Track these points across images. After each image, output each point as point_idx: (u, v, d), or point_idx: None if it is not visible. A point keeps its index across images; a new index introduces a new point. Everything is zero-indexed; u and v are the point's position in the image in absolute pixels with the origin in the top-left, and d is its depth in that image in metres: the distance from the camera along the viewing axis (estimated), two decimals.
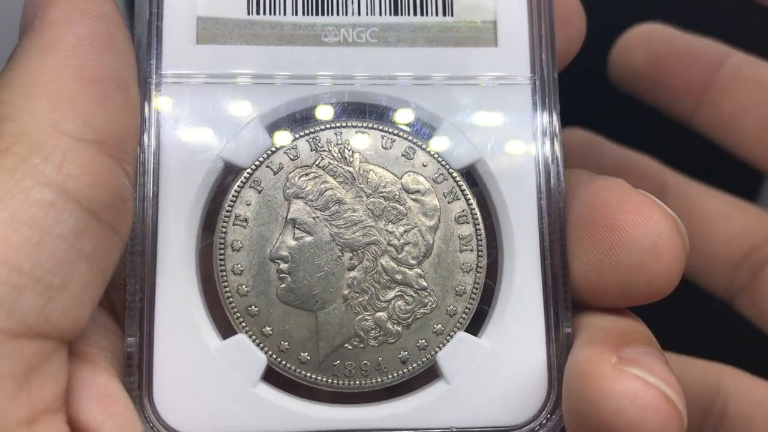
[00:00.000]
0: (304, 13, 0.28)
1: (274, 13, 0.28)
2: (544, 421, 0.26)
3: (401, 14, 0.28)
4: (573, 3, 0.29)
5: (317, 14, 0.28)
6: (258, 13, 0.28)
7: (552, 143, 0.28)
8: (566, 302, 0.27)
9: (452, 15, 0.28)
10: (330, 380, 0.27)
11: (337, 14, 0.28)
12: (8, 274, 0.21)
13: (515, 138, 0.28)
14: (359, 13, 0.28)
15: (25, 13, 0.25)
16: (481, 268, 0.27)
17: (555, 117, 0.28)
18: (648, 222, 0.26)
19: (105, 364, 0.25)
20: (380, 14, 0.28)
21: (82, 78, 0.23)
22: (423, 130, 0.28)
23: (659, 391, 0.24)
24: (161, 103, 0.27)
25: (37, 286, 0.22)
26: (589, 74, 0.30)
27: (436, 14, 0.28)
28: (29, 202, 0.22)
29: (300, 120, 0.28)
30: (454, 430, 0.26)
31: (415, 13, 0.28)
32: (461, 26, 0.28)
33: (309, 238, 0.27)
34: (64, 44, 0.23)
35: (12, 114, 0.23)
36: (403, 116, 0.28)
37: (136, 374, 0.26)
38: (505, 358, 0.27)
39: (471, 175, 0.28)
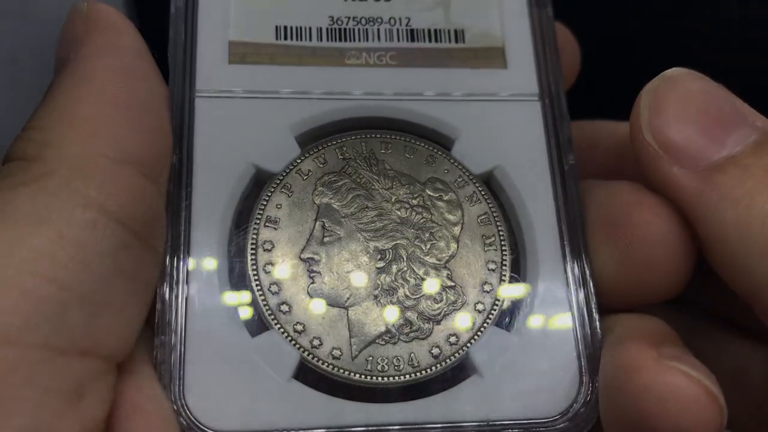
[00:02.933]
0: (328, 40, 0.30)
1: (300, 39, 0.30)
2: (577, 413, 0.26)
3: (417, 41, 0.31)
4: (567, 36, 0.32)
5: (340, 41, 0.30)
6: (285, 38, 0.30)
7: (565, 150, 0.29)
8: (591, 295, 0.27)
9: (464, 42, 0.31)
10: (363, 376, 0.26)
11: (359, 41, 0.30)
12: (56, 291, 0.22)
13: (529, 147, 0.30)
14: (379, 40, 0.30)
15: (60, 50, 0.27)
16: (506, 265, 0.28)
17: (566, 129, 0.30)
18: (662, 219, 0.27)
19: (149, 371, 0.25)
20: (398, 41, 0.30)
21: (116, 105, 0.25)
22: (442, 140, 0.30)
23: (702, 385, 0.24)
24: (196, 118, 0.28)
25: (82, 302, 0.22)
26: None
27: (449, 41, 0.31)
28: (73, 221, 0.23)
29: (327, 132, 0.29)
30: (489, 423, 0.26)
31: (429, 41, 0.31)
32: (473, 51, 0.31)
33: (338, 239, 0.27)
34: (98, 75, 0.25)
35: (53, 140, 0.24)
36: (424, 128, 0.30)
37: (168, 372, 0.25)
38: (535, 350, 0.27)
39: (490, 181, 0.29)
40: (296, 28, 0.30)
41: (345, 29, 0.30)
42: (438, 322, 0.27)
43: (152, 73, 0.27)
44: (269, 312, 0.27)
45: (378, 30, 0.31)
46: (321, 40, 0.30)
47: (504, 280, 0.28)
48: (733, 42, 0.40)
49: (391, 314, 0.27)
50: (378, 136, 0.29)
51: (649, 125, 0.27)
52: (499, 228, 0.28)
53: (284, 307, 0.27)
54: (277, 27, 0.30)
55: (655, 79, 0.28)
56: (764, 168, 0.26)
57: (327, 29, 0.30)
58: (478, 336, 0.27)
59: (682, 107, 0.27)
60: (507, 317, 0.28)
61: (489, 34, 0.31)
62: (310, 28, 0.30)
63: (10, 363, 0.21)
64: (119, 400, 0.24)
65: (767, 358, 0.30)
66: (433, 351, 0.27)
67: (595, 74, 0.33)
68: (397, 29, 0.31)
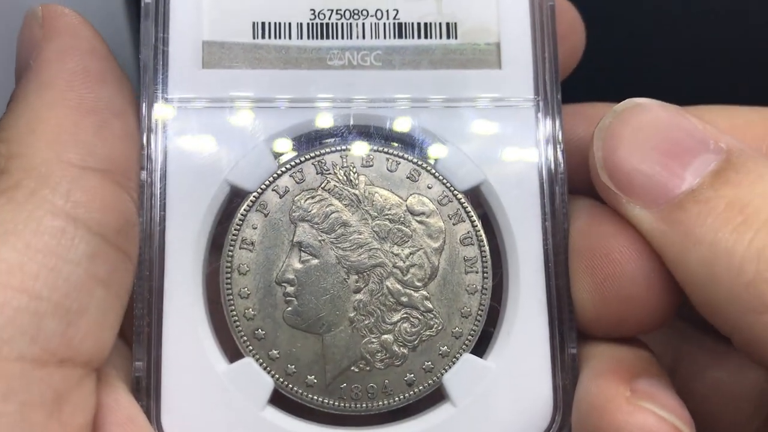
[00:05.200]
0: (309, 37, 0.28)
1: (280, 37, 0.28)
2: None
3: (405, 37, 0.28)
4: (572, 16, 0.30)
5: (322, 38, 0.28)
6: (263, 37, 0.28)
7: (556, 165, 0.28)
8: (571, 323, 0.27)
9: (456, 38, 0.29)
10: (337, 403, 0.27)
11: (342, 38, 0.28)
12: (28, 301, 0.22)
13: (519, 160, 0.28)
14: (364, 37, 0.28)
15: (19, 56, 0.26)
16: (486, 289, 0.27)
17: (559, 138, 0.28)
18: (639, 255, 0.26)
19: (123, 386, 0.25)
20: (384, 38, 0.28)
21: (79, 110, 0.24)
22: (428, 152, 0.28)
23: (673, 426, 0.24)
24: (167, 127, 0.27)
25: (56, 311, 0.22)
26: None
27: (440, 37, 0.29)
28: (41, 230, 0.23)
29: (305, 143, 0.28)
30: None
31: (419, 36, 0.29)
32: (465, 49, 0.29)
33: (315, 261, 0.27)
34: (59, 80, 0.25)
35: (18, 150, 0.24)
36: (408, 138, 0.28)
37: (145, 398, 0.26)
38: (510, 379, 0.27)
39: (476, 197, 0.28)
40: (275, 24, 0.28)
41: (327, 24, 0.28)
42: (413, 349, 0.27)
43: (114, 74, 0.26)
44: (244, 338, 0.27)
45: (363, 25, 0.28)
46: (301, 37, 0.28)
47: (483, 306, 0.27)
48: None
49: (367, 340, 0.27)
50: (358, 148, 0.28)
51: (603, 165, 0.26)
52: (482, 249, 0.28)
53: (260, 333, 0.27)
54: (254, 24, 0.28)
55: (606, 115, 0.26)
56: (726, 200, 0.24)
57: (308, 24, 0.28)
58: (452, 363, 0.27)
59: (635, 143, 0.25)
60: (484, 344, 0.27)
61: (483, 28, 0.29)
62: (289, 24, 0.28)
63: None
64: (109, 409, 0.24)
65: (758, 370, 0.30)
66: (407, 378, 0.27)
67: (596, 67, 0.31)
68: (384, 23, 0.28)
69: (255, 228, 0.27)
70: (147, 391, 0.26)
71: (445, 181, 0.28)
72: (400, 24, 0.29)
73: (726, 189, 0.24)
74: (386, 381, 0.27)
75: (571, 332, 0.27)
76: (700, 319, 0.30)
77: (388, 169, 0.28)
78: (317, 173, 0.28)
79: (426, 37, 0.28)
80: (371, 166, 0.28)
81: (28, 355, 0.22)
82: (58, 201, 0.23)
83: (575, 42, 0.30)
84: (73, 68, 0.25)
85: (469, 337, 0.27)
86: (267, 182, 0.27)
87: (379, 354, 0.27)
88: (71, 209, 0.23)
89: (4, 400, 0.21)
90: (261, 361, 0.27)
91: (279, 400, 0.27)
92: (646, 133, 0.25)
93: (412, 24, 0.29)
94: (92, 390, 0.24)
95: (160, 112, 0.27)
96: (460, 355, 0.27)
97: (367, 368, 0.27)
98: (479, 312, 0.27)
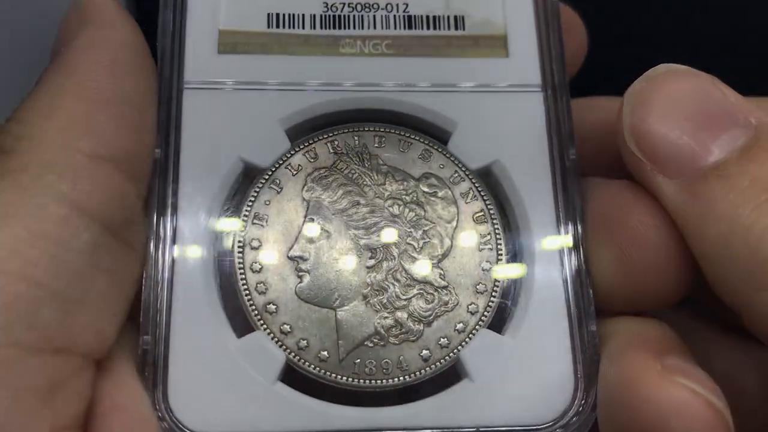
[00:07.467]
0: (322, 28, 0.29)
1: (293, 27, 0.29)
2: (572, 419, 0.25)
3: (414, 29, 0.29)
4: (573, 18, 0.31)
5: (334, 28, 0.29)
6: (278, 26, 0.29)
7: (567, 145, 0.28)
8: (589, 298, 0.26)
9: (464, 29, 0.30)
10: (350, 379, 0.26)
11: (354, 29, 0.29)
12: (27, 288, 0.21)
13: (530, 141, 0.28)
14: (375, 28, 0.29)
15: (58, 41, 0.26)
16: (501, 264, 0.27)
17: (569, 122, 0.28)
18: (659, 222, 0.26)
19: (128, 371, 0.25)
20: (395, 28, 0.29)
21: (97, 100, 0.24)
22: (439, 133, 0.29)
23: (707, 401, 0.23)
24: (183, 110, 0.27)
25: (55, 299, 0.22)
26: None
27: (449, 29, 0.29)
28: (44, 217, 0.22)
29: (319, 124, 0.28)
30: (480, 430, 0.25)
31: (428, 28, 0.29)
32: (473, 39, 0.29)
33: (328, 237, 0.27)
34: (83, 69, 0.25)
35: (30, 133, 0.23)
36: (420, 121, 0.29)
37: (151, 373, 0.25)
38: (529, 354, 0.26)
39: (487, 177, 0.28)
40: (289, 15, 0.29)
41: (340, 16, 0.29)
42: (429, 324, 0.26)
43: (144, 68, 0.26)
44: (255, 312, 0.26)
45: (374, 17, 0.29)
46: (314, 27, 0.29)
47: (498, 282, 0.27)
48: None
49: (381, 315, 0.26)
50: (371, 129, 0.28)
51: (631, 131, 0.25)
52: (495, 227, 0.27)
53: (271, 307, 0.26)
54: (269, 15, 0.29)
55: (638, 80, 0.26)
56: (750, 177, 0.24)
57: (321, 16, 0.29)
58: (470, 339, 0.26)
59: (665, 111, 0.25)
60: (500, 319, 0.27)
61: (490, 21, 0.30)
62: (303, 16, 0.29)
63: None
64: (98, 398, 0.23)
65: (761, 362, 0.29)
66: (423, 354, 0.26)
67: (602, 62, 0.32)
68: (394, 16, 0.29)
69: (267, 204, 0.27)
70: (154, 364, 0.25)
71: (456, 161, 0.28)
72: (409, 16, 0.30)
73: (751, 166, 0.24)
74: (401, 357, 0.26)
75: (589, 306, 0.26)
76: (702, 310, 0.29)
77: (400, 149, 0.28)
78: (330, 152, 0.28)
79: (435, 28, 0.29)
80: (383, 146, 0.28)
81: (23, 342, 0.21)
82: (64, 188, 0.23)
83: (576, 42, 0.31)
84: (98, 58, 0.25)
85: (486, 312, 0.27)
86: (280, 160, 0.28)
87: (394, 329, 0.26)
88: (76, 197, 0.23)
89: None
90: (272, 335, 0.26)
91: (291, 375, 0.26)
92: (677, 102, 0.25)
93: (421, 16, 0.30)
94: (89, 381, 0.23)
95: (178, 95, 0.28)
96: (477, 330, 0.26)
97: (382, 343, 0.26)
98: (495, 287, 0.27)
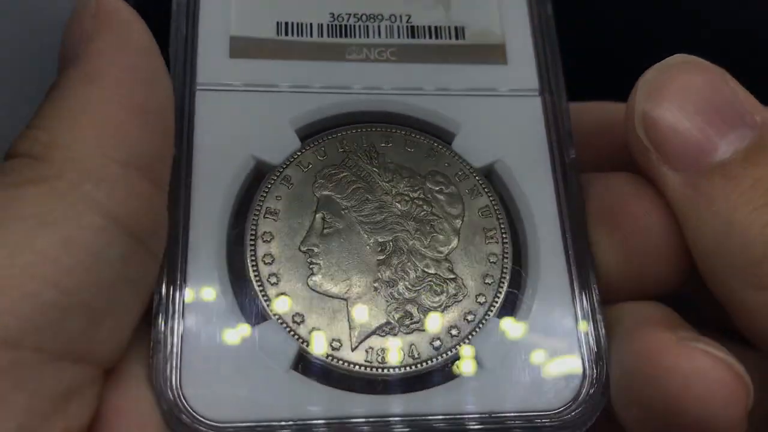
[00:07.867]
0: (329, 35, 0.30)
1: (301, 35, 0.30)
2: (581, 404, 0.26)
3: (417, 38, 0.31)
4: None
5: (341, 37, 0.30)
6: (287, 34, 0.30)
7: (566, 145, 0.29)
8: (594, 286, 0.27)
9: (464, 38, 0.31)
10: (362, 367, 0.26)
11: (359, 37, 0.30)
12: (58, 296, 0.21)
13: (530, 141, 0.29)
14: (379, 36, 0.30)
15: (67, 45, 0.26)
16: (507, 256, 0.28)
17: (567, 123, 0.30)
18: (660, 210, 0.27)
19: (135, 374, 0.25)
20: (399, 37, 0.31)
21: (126, 108, 0.24)
22: (443, 135, 0.30)
23: (728, 365, 0.23)
24: (196, 111, 0.28)
25: (83, 309, 0.22)
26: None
27: (450, 38, 0.31)
28: (81, 226, 0.22)
29: (328, 125, 0.29)
30: (492, 415, 0.26)
31: (430, 37, 0.31)
32: (473, 47, 0.31)
33: (338, 231, 0.27)
34: (109, 76, 0.24)
35: (62, 141, 0.23)
36: (425, 123, 0.30)
37: (164, 362, 0.25)
38: (537, 341, 0.27)
39: (491, 175, 0.29)
40: (297, 24, 0.30)
41: (346, 26, 0.31)
42: (439, 314, 0.27)
43: (161, 72, 0.26)
44: (267, 302, 0.26)
45: (378, 27, 0.31)
46: (322, 35, 0.30)
47: (506, 273, 0.28)
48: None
49: (391, 306, 0.27)
50: (378, 129, 0.29)
51: (642, 119, 0.26)
52: (501, 221, 0.28)
53: (283, 298, 0.26)
54: (278, 23, 0.30)
55: (653, 68, 0.26)
56: (752, 179, 0.24)
57: (328, 25, 0.30)
58: (480, 327, 0.27)
59: (677, 102, 0.25)
60: (509, 309, 0.27)
61: (489, 32, 0.31)
62: (311, 24, 0.30)
63: (2, 364, 0.20)
64: (104, 402, 0.23)
65: (757, 363, 0.30)
66: (434, 343, 0.26)
67: (597, 67, 0.33)
68: (398, 26, 0.31)
69: (279, 199, 0.28)
70: (166, 354, 0.25)
71: (461, 159, 0.29)
72: (412, 27, 0.31)
73: (754, 169, 0.25)
74: (412, 345, 0.26)
75: (594, 293, 0.27)
76: (692, 310, 0.30)
77: (406, 148, 0.29)
78: (339, 150, 0.29)
79: (437, 38, 0.31)
80: (390, 145, 0.29)
81: (47, 349, 0.21)
82: (101, 198, 0.22)
83: None
84: (123, 65, 0.24)
85: (494, 302, 0.27)
86: (291, 158, 0.28)
87: (405, 319, 0.27)
88: (113, 208, 0.22)
89: (15, 389, 0.21)
90: (285, 325, 0.26)
91: (303, 364, 0.26)
92: (690, 94, 0.25)
93: (424, 27, 0.31)
94: (97, 391, 0.23)
95: (190, 97, 0.28)
96: (487, 319, 0.27)
97: (393, 333, 0.26)
98: (502, 278, 0.27)
